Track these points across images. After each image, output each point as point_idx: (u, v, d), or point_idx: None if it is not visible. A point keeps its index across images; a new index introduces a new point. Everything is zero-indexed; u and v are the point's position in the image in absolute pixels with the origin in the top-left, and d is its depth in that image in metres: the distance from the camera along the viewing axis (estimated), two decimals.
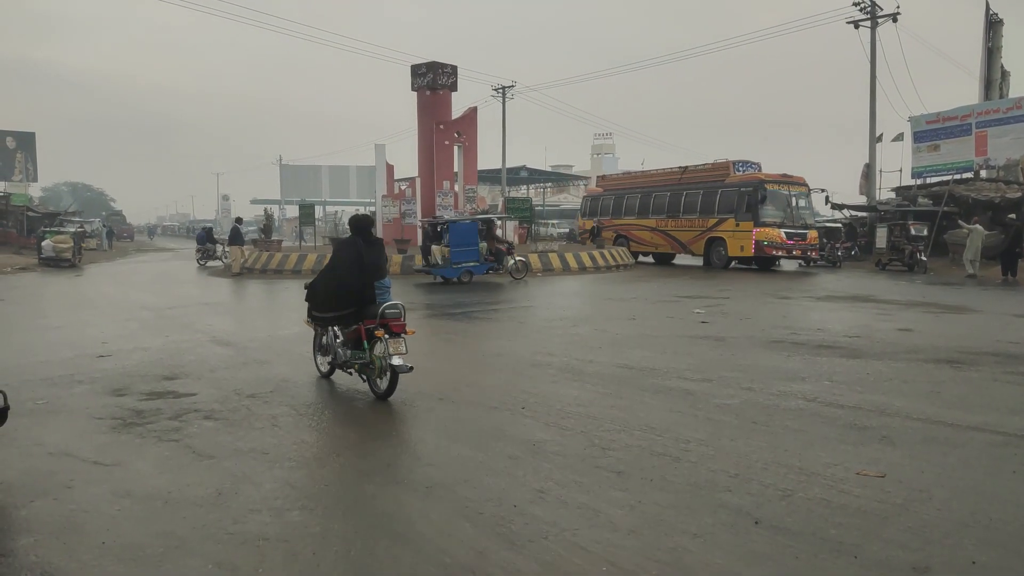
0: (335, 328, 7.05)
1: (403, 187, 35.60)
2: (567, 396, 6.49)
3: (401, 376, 6.26)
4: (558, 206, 69.70)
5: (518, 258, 20.91)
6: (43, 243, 28.13)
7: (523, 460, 4.76)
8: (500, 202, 35.58)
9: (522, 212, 28.64)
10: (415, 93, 32.01)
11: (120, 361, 8.36)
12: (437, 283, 19.09)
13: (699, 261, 26.58)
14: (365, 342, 6.54)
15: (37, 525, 3.79)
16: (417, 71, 31.72)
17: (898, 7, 29.24)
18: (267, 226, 30.06)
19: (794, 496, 4.07)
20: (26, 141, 60.43)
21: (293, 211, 50.66)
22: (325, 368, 7.44)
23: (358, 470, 4.61)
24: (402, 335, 6.40)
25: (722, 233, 24.73)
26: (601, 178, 31.85)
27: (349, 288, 6.70)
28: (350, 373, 6.88)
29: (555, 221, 53.14)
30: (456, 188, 31.90)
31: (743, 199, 23.98)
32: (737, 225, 24.16)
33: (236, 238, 24.31)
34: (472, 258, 19.60)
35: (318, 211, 42.13)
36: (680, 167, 28.28)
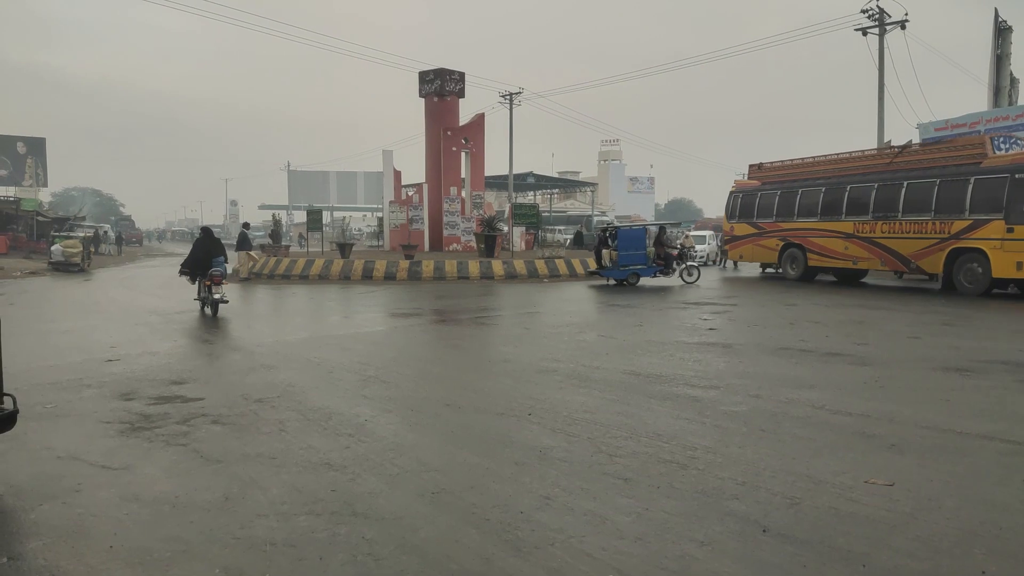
0: (200, 279, 13.72)
1: (410, 193, 35.72)
2: (574, 402, 6.48)
3: (406, 382, 6.32)
4: (565, 212, 69.76)
5: (689, 263, 21.49)
6: (53, 247, 28.34)
7: (530, 466, 4.75)
8: (507, 208, 35.61)
9: (529, 218, 28.63)
10: (423, 99, 32.15)
11: (128, 365, 8.40)
12: (610, 285, 20.55)
13: (891, 278, 22.05)
14: (207, 287, 13.00)
15: (45, 529, 3.80)
16: (425, 78, 31.88)
17: (906, 14, 29.22)
18: (275, 231, 30.19)
19: (802, 504, 4.05)
20: (36, 146, 60.93)
21: (301, 216, 50.80)
22: (198, 302, 13.84)
23: (365, 475, 4.61)
24: (221, 284, 13.03)
25: (978, 242, 16.67)
26: (756, 167, 24.28)
27: (200, 260, 13.66)
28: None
29: (561, 227, 53.16)
30: (463, 194, 31.99)
31: (1020, 191, 15.91)
32: (1010, 230, 16.01)
33: (244, 243, 24.41)
34: (639, 261, 20.63)
35: (326, 216, 42.21)
36: (891, 146, 21.87)
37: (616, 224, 24.41)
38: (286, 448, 5.19)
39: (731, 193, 24.71)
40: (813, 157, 22.58)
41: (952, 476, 4.54)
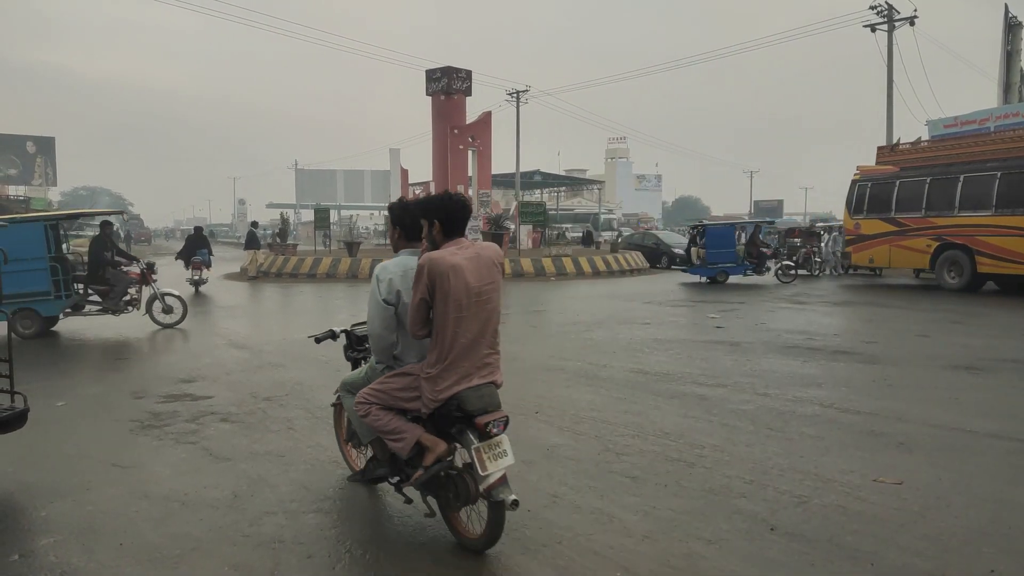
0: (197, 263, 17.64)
1: (417, 191, 35.76)
2: (581, 401, 6.48)
3: None
4: (572, 210, 69.71)
5: (785, 263, 20.85)
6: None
7: (537, 464, 4.76)
8: (513, 206, 35.60)
9: (536, 216, 28.59)
10: (430, 98, 32.16)
11: (138, 364, 8.44)
12: (700, 282, 20.48)
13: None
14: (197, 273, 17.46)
15: (56, 526, 3.83)
16: (432, 76, 31.89)
17: (915, 10, 29.05)
18: (283, 230, 30.27)
19: (810, 503, 4.04)
20: (46, 146, 61.22)
21: (308, 215, 50.99)
22: (190, 283, 16.86)
23: None
24: (201, 268, 17.73)
25: None
26: (890, 149, 19.59)
27: (189, 250, 17.97)
28: None
29: (568, 225, 53.12)
30: (470, 192, 31.99)
31: None
32: None
33: (252, 242, 24.49)
34: (728, 259, 20.41)
35: (333, 215, 42.28)
36: None
37: (705, 223, 23.98)
38: (294, 446, 5.21)
39: (854, 183, 19.92)
40: (976, 134, 18.51)
41: (961, 475, 4.52)
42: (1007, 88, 31.79)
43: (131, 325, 11.86)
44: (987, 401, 6.49)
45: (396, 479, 3.81)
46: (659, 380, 7.34)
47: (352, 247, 26.07)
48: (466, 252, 3.44)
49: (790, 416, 5.92)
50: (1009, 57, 31.83)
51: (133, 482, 4.50)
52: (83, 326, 11.86)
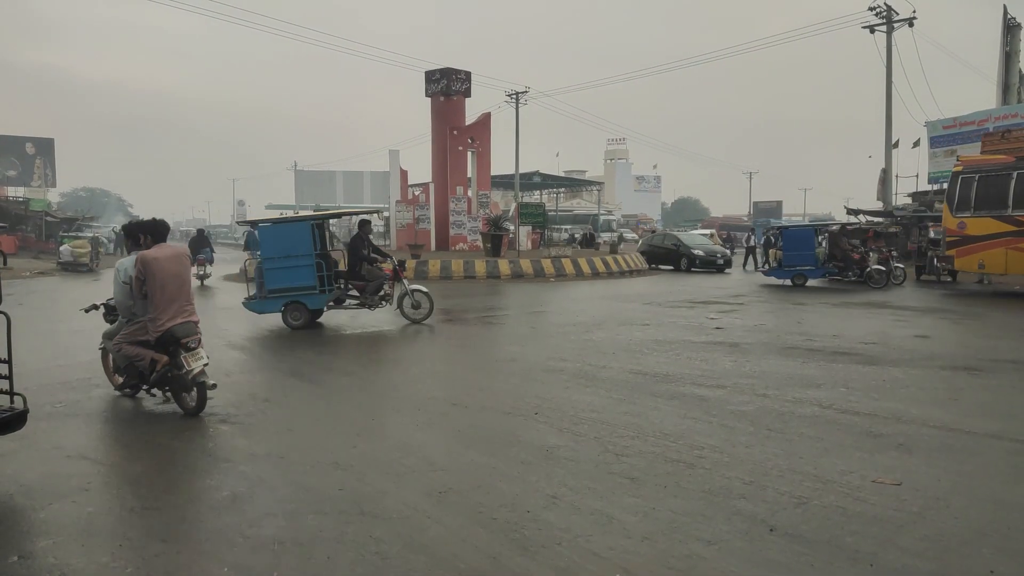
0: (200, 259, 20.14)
1: (417, 192, 35.76)
2: (581, 402, 6.48)
3: (412, 382, 6.36)
4: (571, 211, 69.71)
5: (875, 266, 19.25)
6: (61, 247, 28.47)
7: (536, 466, 4.76)
8: (513, 207, 35.62)
9: (535, 217, 28.60)
10: (429, 99, 32.17)
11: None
12: (783, 285, 19.66)
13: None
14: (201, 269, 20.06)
15: (56, 527, 3.83)
16: (431, 77, 31.90)
17: (914, 12, 29.12)
18: None
19: (809, 504, 4.05)
20: (45, 147, 61.25)
21: None
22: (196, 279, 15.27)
23: (372, 475, 4.63)
24: (204, 264, 20.38)
25: None
26: (997, 137, 17.82)
27: (192, 249, 19.40)
28: None
29: (568, 226, 53.13)
30: (469, 193, 32.01)
31: None
32: None
33: (252, 244, 24.49)
34: (806, 263, 19.59)
35: None
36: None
37: (784, 224, 23.19)
38: (294, 447, 5.21)
39: (956, 175, 17.73)
40: None
41: (960, 475, 4.52)
42: (1006, 89, 31.84)
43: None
44: (987, 402, 6.49)
45: (144, 386, 6.30)
46: (659, 381, 7.34)
47: None
48: (165, 251, 6.04)
49: (789, 417, 5.92)
50: (1008, 58, 31.89)
51: (132, 484, 4.50)
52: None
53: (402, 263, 12.74)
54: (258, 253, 24.23)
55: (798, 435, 5.42)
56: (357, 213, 13.72)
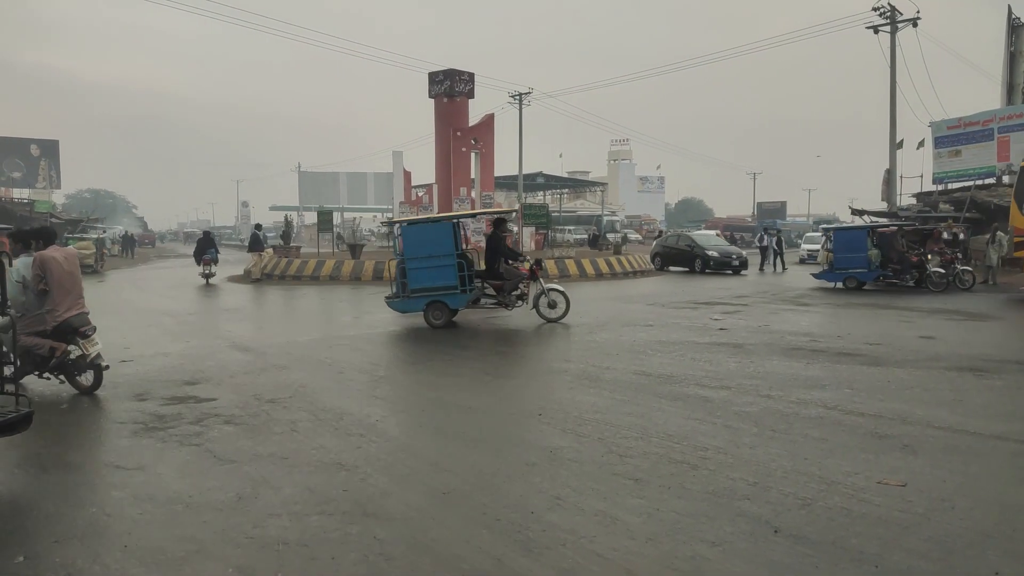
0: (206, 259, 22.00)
1: (420, 193, 35.81)
2: (584, 403, 6.48)
3: (416, 383, 6.36)
4: (574, 212, 69.69)
5: (934, 269, 18.10)
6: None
7: (540, 467, 4.76)
8: (516, 208, 35.63)
9: (539, 218, 28.57)
10: (432, 100, 32.18)
11: (142, 366, 8.46)
12: (834, 288, 18.88)
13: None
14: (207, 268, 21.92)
15: (61, 528, 3.84)
16: (435, 78, 31.90)
17: (918, 12, 29.05)
18: (286, 232, 30.31)
19: (814, 505, 4.04)
20: (50, 149, 61.42)
21: (312, 217, 51.13)
22: (201, 276, 21.51)
23: (376, 475, 4.63)
24: (210, 264, 22.26)
25: None
26: None
27: (200, 250, 22.46)
28: None
29: (571, 227, 53.11)
30: (473, 194, 32.01)
31: None
32: None
33: (256, 245, 24.53)
34: (858, 265, 18.78)
35: (336, 217, 42.38)
36: None
37: (837, 226, 22.03)
38: (298, 448, 5.22)
39: None
40: None
41: (965, 477, 4.51)
42: (1011, 89, 31.77)
43: (135, 327, 11.88)
44: (992, 403, 6.47)
45: (38, 372, 6.79)
46: (663, 382, 7.34)
47: (355, 249, 26.10)
48: (59, 252, 6.78)
49: (794, 418, 5.91)
50: (1012, 58, 31.81)
51: (137, 484, 4.51)
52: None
53: (539, 262, 12.71)
54: (264, 254, 24.29)
55: (802, 436, 5.41)
56: (491, 213, 13.66)
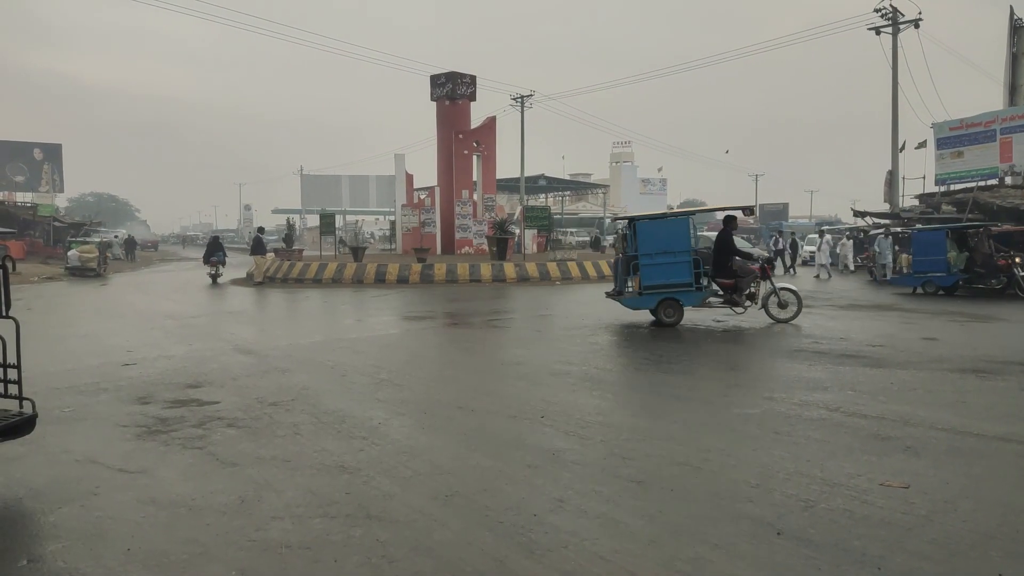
0: (213, 261, 24.30)
1: (422, 196, 35.82)
2: (586, 405, 6.48)
3: (419, 385, 6.37)
4: (576, 214, 69.72)
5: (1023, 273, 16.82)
6: (69, 253, 28.61)
7: (542, 469, 4.76)
8: (518, 211, 35.63)
9: (541, 221, 28.57)
10: (434, 103, 32.22)
11: (145, 369, 8.47)
12: (914, 293, 17.85)
13: None
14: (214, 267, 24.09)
15: (64, 531, 3.85)
16: (436, 81, 31.95)
17: (920, 13, 29.04)
18: (289, 236, 30.35)
19: (817, 507, 4.04)
20: (53, 153, 61.51)
21: (314, 220, 51.18)
22: (209, 276, 23.98)
23: (379, 478, 4.63)
24: (217, 265, 24.39)
25: None
26: None
27: (209, 253, 24.64)
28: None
29: (573, 229, 53.11)
30: (475, 197, 32.03)
31: None
32: None
33: (258, 248, 24.58)
34: (938, 268, 17.54)
35: (338, 220, 42.37)
36: None
37: (918, 227, 20.87)
38: (300, 451, 5.22)
39: None
40: None
41: (968, 478, 4.50)
42: (1013, 90, 31.72)
43: (138, 330, 11.89)
44: (995, 404, 6.46)
45: None
46: (665, 384, 7.33)
47: (357, 252, 26.12)
48: None
49: (796, 420, 5.91)
50: (1015, 59, 31.76)
51: (140, 487, 4.52)
52: (90, 331, 11.91)
53: (769, 260, 12.45)
54: (266, 257, 24.25)
55: (805, 438, 5.40)
56: (723, 209, 13.01)
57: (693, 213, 12.57)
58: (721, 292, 11.86)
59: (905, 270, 19.33)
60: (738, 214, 12.71)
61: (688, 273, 11.52)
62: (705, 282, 11.84)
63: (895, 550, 3.48)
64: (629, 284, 12.25)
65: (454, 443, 5.46)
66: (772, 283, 11.84)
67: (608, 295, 12.83)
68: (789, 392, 6.91)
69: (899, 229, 22.29)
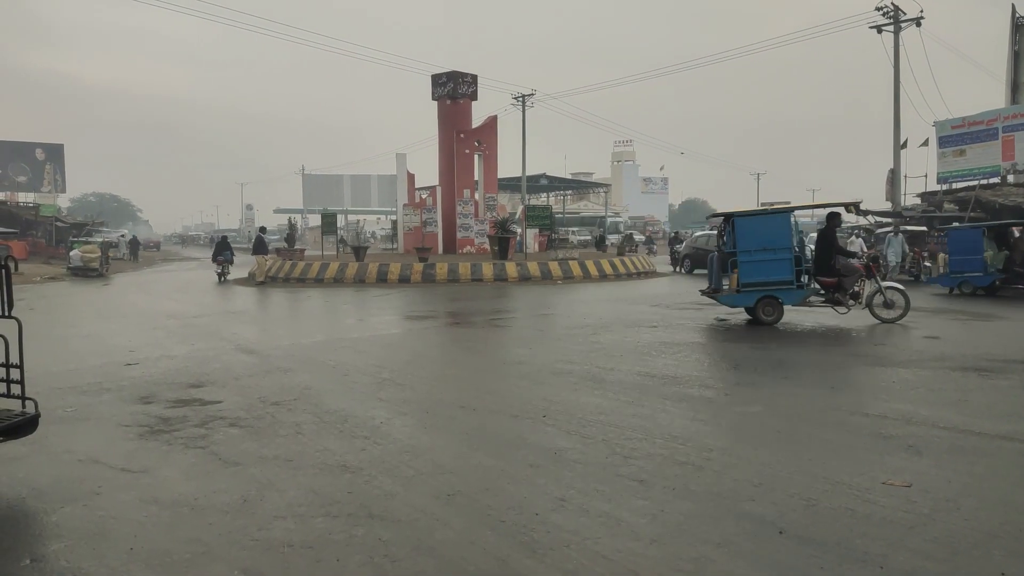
0: (220, 260, 25.09)
1: (424, 196, 35.82)
2: (588, 404, 6.48)
3: (421, 385, 6.38)
4: (578, 213, 69.67)
5: None
6: (71, 253, 28.64)
7: (544, 468, 4.76)
8: (520, 210, 35.61)
9: (542, 220, 28.54)
10: (436, 102, 32.21)
11: (147, 369, 8.48)
12: (950, 294, 17.11)
13: None
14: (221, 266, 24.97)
15: (67, 531, 3.85)
16: (437, 80, 31.94)
17: (921, 11, 28.99)
18: (290, 235, 30.37)
19: (819, 506, 4.03)
20: (55, 153, 61.59)
21: (316, 220, 51.23)
22: (216, 274, 25.10)
23: (381, 477, 4.64)
24: (224, 264, 25.25)
25: None
26: None
27: (217, 252, 25.41)
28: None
29: (575, 229, 53.10)
30: (476, 196, 32.03)
31: None
32: None
33: (260, 247, 24.60)
34: (974, 268, 16.89)
35: (340, 220, 42.39)
36: None
37: (955, 225, 20.27)
38: (303, 450, 5.23)
39: None
40: None
41: (971, 477, 4.50)
42: (1015, 88, 31.68)
43: (140, 330, 11.90)
44: (997, 403, 6.46)
45: None
46: (667, 383, 7.33)
47: (359, 252, 26.14)
48: None
49: (796, 418, 5.90)
50: (1016, 57, 31.72)
51: (143, 487, 4.53)
52: (92, 331, 11.93)
53: (875, 259, 12.05)
54: (268, 257, 24.27)
55: (807, 437, 5.40)
56: (830, 205, 12.50)
57: (793, 209, 12.21)
58: (823, 291, 11.52)
59: (942, 269, 18.90)
60: (841, 210, 12.29)
61: (789, 270, 11.18)
62: (806, 280, 11.47)
63: (897, 549, 3.48)
64: (725, 282, 11.97)
65: (456, 442, 5.47)
66: (878, 282, 11.43)
67: (703, 292, 12.58)
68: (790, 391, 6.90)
69: (911, 228, 21.86)
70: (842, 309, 11.56)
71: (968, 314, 13.33)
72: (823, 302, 11.57)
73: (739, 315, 12.55)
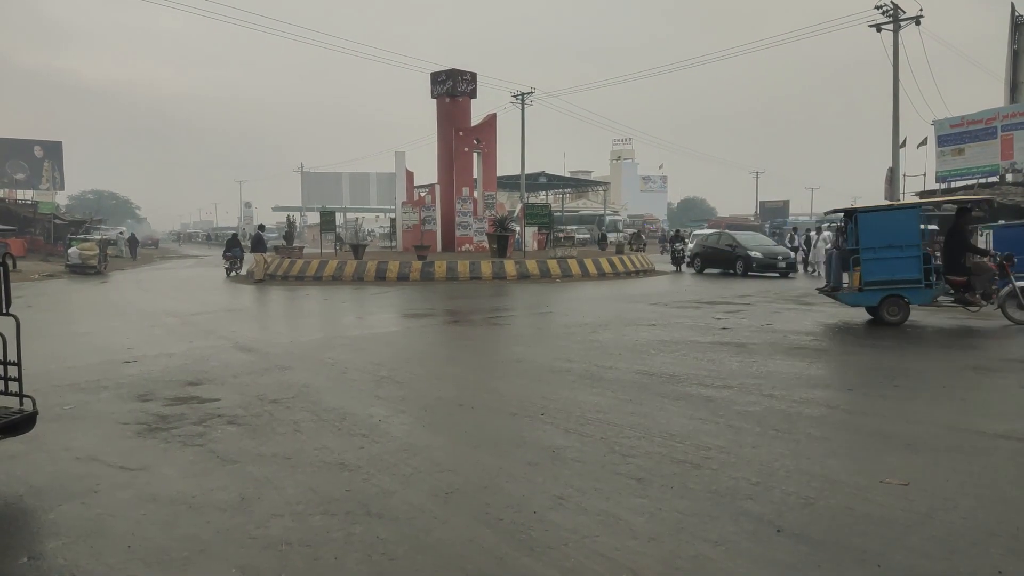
0: (229, 256, 26.43)
1: (423, 194, 35.82)
2: (587, 402, 6.48)
3: (419, 383, 6.46)
4: (577, 212, 69.64)
5: None
6: (70, 250, 28.62)
7: (543, 466, 4.76)
8: (519, 208, 35.60)
9: (541, 218, 28.53)
10: (435, 100, 32.19)
11: (145, 367, 8.48)
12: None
13: None
14: (230, 262, 26.21)
15: (65, 528, 3.85)
16: (437, 78, 31.92)
17: (921, 10, 28.97)
18: (289, 233, 30.36)
19: (817, 504, 4.04)
20: (53, 150, 61.53)
21: (315, 218, 51.18)
22: (225, 270, 26.12)
23: (379, 475, 4.64)
24: (233, 260, 26.13)
25: None
26: None
27: (227, 249, 26.85)
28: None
29: (574, 227, 53.06)
30: (475, 194, 32.02)
31: None
32: None
33: (258, 245, 24.58)
34: (1021, 269, 16.13)
35: (339, 218, 42.33)
36: None
37: (1002, 223, 19.14)
38: (301, 448, 5.23)
39: None
40: None
41: (968, 476, 4.50)
42: (1014, 87, 31.71)
43: (138, 328, 11.88)
44: (994, 402, 6.46)
45: None
46: (665, 382, 7.33)
47: (358, 249, 26.13)
48: None
49: (797, 417, 5.91)
50: (1016, 56, 31.75)
51: (141, 485, 4.52)
52: (90, 328, 11.91)
53: (1009, 257, 11.31)
54: (267, 255, 24.26)
55: (805, 435, 5.40)
56: (955, 202, 12.04)
57: (920, 205, 11.69)
58: (952, 291, 11.07)
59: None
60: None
61: (917, 269, 10.70)
62: (935, 279, 10.98)
63: (895, 547, 3.48)
64: (846, 280, 11.66)
65: (454, 440, 5.47)
66: (1013, 282, 10.88)
67: (820, 291, 12.27)
68: (789, 390, 6.90)
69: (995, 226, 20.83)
70: (973, 309, 11.17)
71: None
72: (952, 302, 11.20)
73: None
